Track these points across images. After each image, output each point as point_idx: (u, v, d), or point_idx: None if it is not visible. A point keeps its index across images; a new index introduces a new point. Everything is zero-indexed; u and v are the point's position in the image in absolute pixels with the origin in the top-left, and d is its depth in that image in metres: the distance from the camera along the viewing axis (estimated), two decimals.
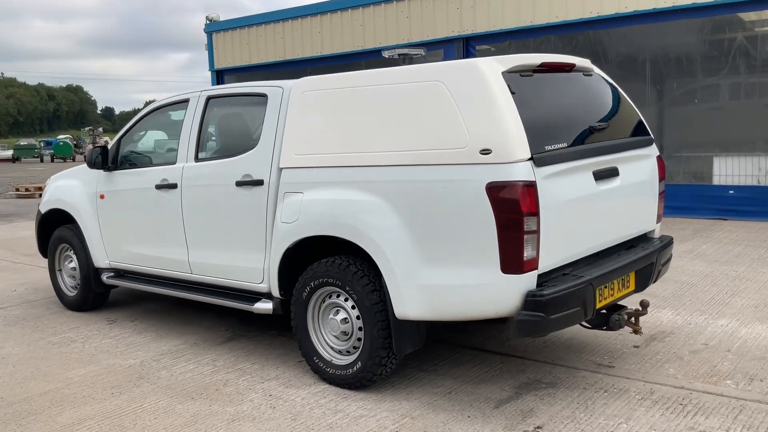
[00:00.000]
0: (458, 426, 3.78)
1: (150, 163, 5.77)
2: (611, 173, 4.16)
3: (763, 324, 5.26)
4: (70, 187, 6.30)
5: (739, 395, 4.01)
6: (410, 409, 4.02)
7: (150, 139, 6.36)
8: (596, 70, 4.65)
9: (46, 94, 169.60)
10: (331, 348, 4.42)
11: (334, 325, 4.34)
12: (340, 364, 4.34)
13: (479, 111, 3.67)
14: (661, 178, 4.73)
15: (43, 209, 6.58)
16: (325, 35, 14.26)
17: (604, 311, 4.32)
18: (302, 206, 4.37)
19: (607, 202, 4.13)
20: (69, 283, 6.52)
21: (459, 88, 3.77)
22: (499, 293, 3.63)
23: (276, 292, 4.63)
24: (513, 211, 3.52)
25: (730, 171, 10.23)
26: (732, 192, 10.15)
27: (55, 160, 48.39)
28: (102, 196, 5.94)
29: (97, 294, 6.28)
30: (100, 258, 6.04)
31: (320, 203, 4.29)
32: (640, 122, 4.70)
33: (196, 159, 5.17)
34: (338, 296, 4.32)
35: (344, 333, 4.32)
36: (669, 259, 4.74)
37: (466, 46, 12.42)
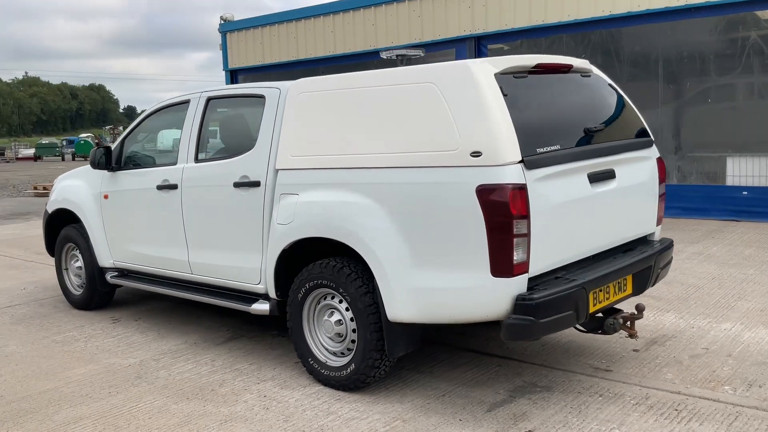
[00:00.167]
0: (449, 429, 3.76)
1: (152, 164, 5.81)
2: (607, 175, 4.11)
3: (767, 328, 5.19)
4: (76, 187, 6.37)
5: (737, 401, 3.95)
6: (402, 412, 4.01)
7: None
8: (595, 71, 4.60)
9: (69, 93, 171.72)
10: (326, 349, 4.43)
11: (329, 327, 4.34)
12: (335, 365, 4.34)
13: (470, 113, 3.65)
14: (662, 180, 4.67)
15: (50, 209, 6.65)
16: (338, 35, 14.27)
17: (600, 315, 4.28)
18: (297, 208, 4.38)
19: (602, 205, 4.09)
20: (75, 282, 6.58)
21: (451, 89, 3.75)
22: (489, 297, 3.61)
23: (272, 293, 4.64)
24: (502, 213, 3.50)
25: (743, 172, 10.08)
26: (745, 193, 10.00)
27: (76, 158, 48.97)
28: (106, 196, 6.00)
29: (102, 293, 6.34)
30: (105, 257, 6.09)
31: (315, 205, 4.29)
32: (640, 124, 4.64)
33: (196, 160, 5.20)
34: (333, 298, 4.32)
35: (339, 335, 4.32)
36: (669, 262, 4.69)
37: (478, 45, 12.36)
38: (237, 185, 4.77)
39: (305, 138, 4.41)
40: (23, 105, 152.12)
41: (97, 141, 53.16)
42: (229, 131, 5.41)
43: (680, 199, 10.30)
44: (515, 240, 3.51)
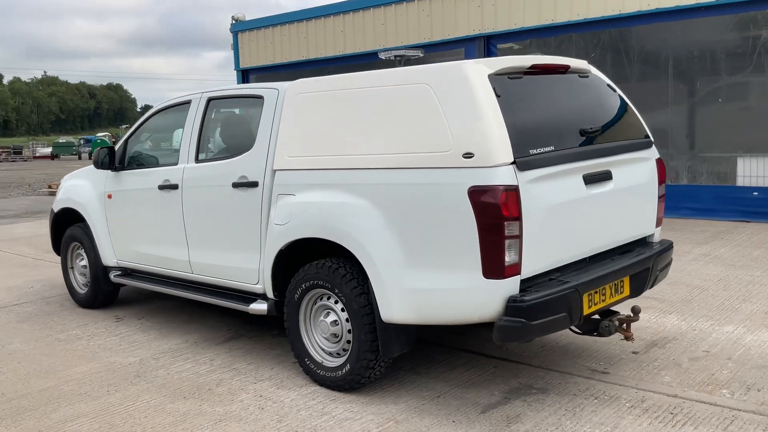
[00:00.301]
0: (441, 430, 3.76)
1: (154, 164, 5.85)
2: (603, 177, 4.09)
3: None
4: (81, 186, 6.42)
5: (733, 405, 3.91)
6: (396, 413, 4.01)
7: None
8: (594, 71, 4.57)
9: (87, 92, 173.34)
10: (323, 350, 4.43)
11: (325, 327, 4.35)
12: (331, 366, 4.35)
13: (463, 114, 3.64)
14: (661, 181, 4.63)
15: (56, 208, 6.72)
16: (348, 34, 14.28)
17: (597, 317, 4.26)
18: (294, 208, 4.39)
19: (598, 207, 4.07)
20: (80, 281, 6.64)
21: (444, 90, 3.74)
22: (481, 298, 3.60)
23: (270, 294, 4.66)
24: (494, 215, 3.48)
25: (754, 172, 9.96)
26: (756, 194, 9.89)
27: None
28: (110, 196, 6.04)
29: (106, 292, 6.39)
30: (108, 256, 6.14)
31: (311, 205, 4.30)
32: (639, 124, 4.61)
33: (197, 160, 5.23)
34: (329, 298, 4.33)
35: (334, 335, 4.33)
36: (668, 264, 4.65)
37: (487, 44, 12.32)
38: (236, 185, 4.79)
39: (302, 139, 4.42)
40: (42, 104, 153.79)
41: (113, 140, 53.55)
42: (228, 131, 5.44)
43: (690, 199, 10.22)
44: (507, 242, 3.50)
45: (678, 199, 10.32)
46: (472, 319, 3.70)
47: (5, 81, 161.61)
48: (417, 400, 4.17)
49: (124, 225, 5.96)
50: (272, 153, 4.59)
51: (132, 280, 6.01)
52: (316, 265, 4.31)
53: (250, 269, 4.79)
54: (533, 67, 4.05)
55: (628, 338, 4.22)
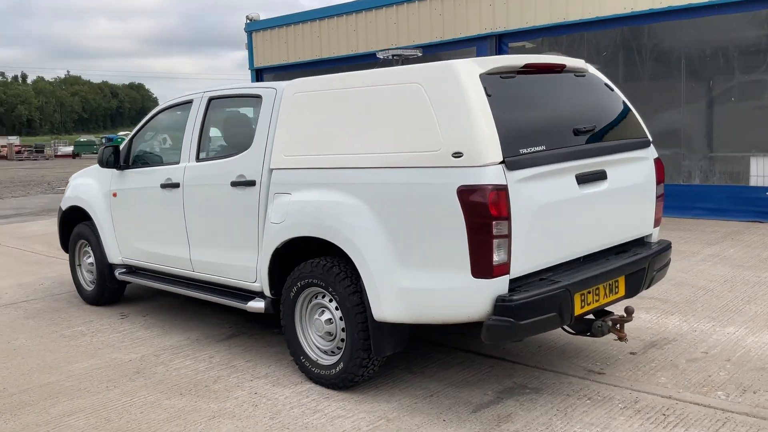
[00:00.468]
0: (431, 429, 3.77)
1: (158, 163, 5.91)
2: (597, 176, 4.06)
3: None
4: (88, 185, 6.51)
5: (727, 407, 3.88)
6: (388, 411, 4.02)
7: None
8: (591, 70, 4.54)
9: (110, 91, 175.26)
10: (318, 348, 4.46)
11: (319, 326, 4.37)
12: (325, 364, 4.37)
13: (453, 113, 3.64)
14: (660, 181, 4.60)
15: (64, 206, 6.82)
16: (360, 33, 14.31)
17: (591, 317, 4.24)
18: (290, 207, 4.42)
19: (592, 207, 4.04)
20: (87, 278, 6.73)
21: (435, 90, 3.75)
22: (470, 297, 3.60)
23: (267, 292, 4.69)
24: (482, 214, 3.48)
25: (767, 172, 9.84)
26: None
27: None
28: (115, 194, 6.12)
29: (111, 289, 6.47)
30: (114, 254, 6.22)
31: (306, 204, 4.33)
32: (637, 124, 4.57)
33: (197, 159, 5.28)
34: (323, 297, 4.35)
35: (329, 333, 4.35)
36: (666, 265, 4.61)
37: (499, 43, 12.28)
38: (234, 184, 4.83)
39: (298, 138, 4.45)
40: (65, 103, 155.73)
41: None
42: (228, 131, 5.49)
43: (702, 199, 10.11)
44: (495, 241, 3.49)
45: (690, 199, 10.23)
46: (462, 319, 3.71)
47: (29, 80, 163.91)
48: (410, 398, 4.18)
49: (128, 223, 6.03)
50: (269, 152, 4.62)
51: (136, 278, 6.08)
52: (311, 263, 4.33)
53: (248, 267, 4.83)
54: (527, 66, 4.04)
55: (621, 339, 4.20)
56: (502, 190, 3.50)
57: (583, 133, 4.05)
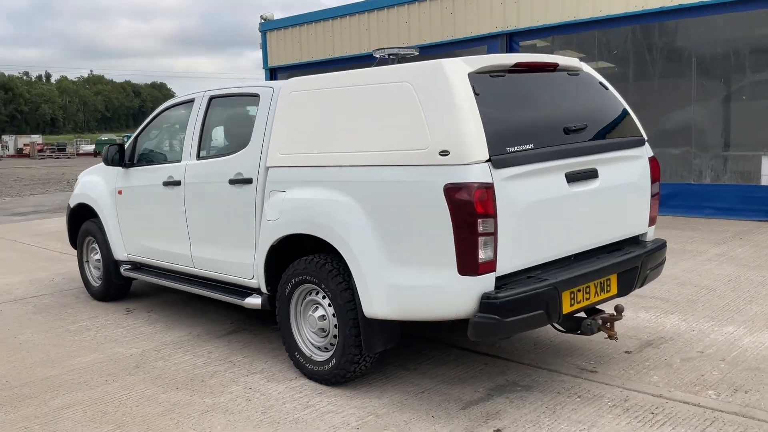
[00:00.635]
0: (419, 425, 3.80)
1: (161, 161, 5.99)
2: (588, 175, 4.07)
3: None
4: (94, 182, 6.62)
5: (716, 406, 3.87)
6: (378, 407, 4.06)
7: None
8: (585, 69, 4.54)
9: (132, 90, 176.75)
10: (312, 344, 4.51)
11: (313, 322, 4.42)
12: (318, 360, 4.42)
13: (440, 112, 3.67)
14: (655, 179, 4.59)
15: (72, 203, 6.94)
16: (372, 33, 14.35)
17: (583, 315, 4.25)
18: (284, 205, 4.47)
19: (582, 205, 4.05)
20: (95, 274, 6.84)
21: (424, 89, 3.78)
22: (456, 295, 3.63)
23: (264, 288, 4.75)
24: (468, 212, 3.51)
25: None
26: None
27: None
28: (120, 192, 6.22)
29: (117, 285, 6.57)
30: (119, 251, 6.32)
31: (299, 202, 4.38)
32: (631, 123, 4.56)
33: (198, 157, 5.35)
34: (317, 294, 4.40)
35: (322, 330, 4.40)
36: (660, 264, 4.60)
37: (510, 42, 12.27)
38: (232, 182, 4.89)
39: (293, 136, 4.50)
40: (88, 102, 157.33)
41: None
42: (227, 129, 5.56)
43: (713, 199, 10.03)
44: (481, 239, 3.52)
45: (701, 199, 10.16)
46: (449, 316, 3.73)
47: (53, 80, 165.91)
48: (401, 395, 4.22)
49: (132, 220, 6.13)
50: (266, 150, 4.68)
51: (140, 274, 6.18)
52: (304, 260, 4.38)
53: (245, 264, 4.89)
54: (518, 65, 4.05)
55: (611, 337, 4.20)
56: (487, 188, 3.52)
57: (574, 131, 4.06)
